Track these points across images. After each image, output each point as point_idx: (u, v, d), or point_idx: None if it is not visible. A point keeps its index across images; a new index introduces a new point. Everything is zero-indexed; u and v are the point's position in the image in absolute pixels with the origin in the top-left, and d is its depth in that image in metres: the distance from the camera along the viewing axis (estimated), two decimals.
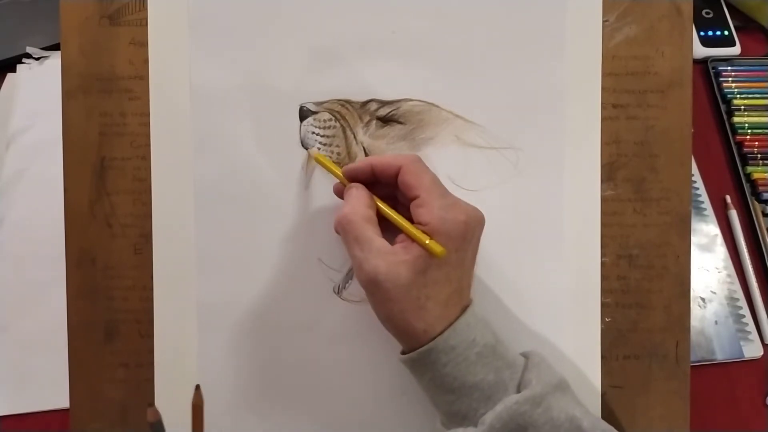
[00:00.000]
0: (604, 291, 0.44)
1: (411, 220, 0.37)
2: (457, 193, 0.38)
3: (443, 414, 0.37)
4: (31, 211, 0.59)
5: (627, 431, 0.44)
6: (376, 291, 0.35)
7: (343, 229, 0.37)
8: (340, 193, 0.40)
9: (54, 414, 0.51)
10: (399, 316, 0.35)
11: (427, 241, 0.35)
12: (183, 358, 0.43)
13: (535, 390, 0.35)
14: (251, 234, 0.43)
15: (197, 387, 0.37)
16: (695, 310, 0.56)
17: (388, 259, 0.35)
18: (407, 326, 0.35)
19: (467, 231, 0.36)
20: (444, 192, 0.37)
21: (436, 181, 0.37)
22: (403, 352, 0.37)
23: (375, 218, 0.37)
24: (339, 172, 0.40)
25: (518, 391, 0.36)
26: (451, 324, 0.36)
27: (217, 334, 0.43)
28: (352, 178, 0.39)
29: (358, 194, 0.38)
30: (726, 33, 0.71)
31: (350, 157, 0.43)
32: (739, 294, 0.57)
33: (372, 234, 0.36)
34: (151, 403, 0.36)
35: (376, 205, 0.38)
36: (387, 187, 0.38)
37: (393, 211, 0.37)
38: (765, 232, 0.60)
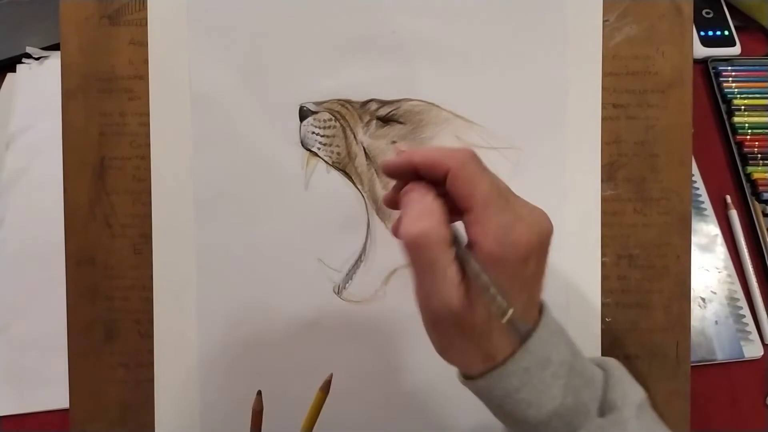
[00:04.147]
0: (604, 291, 0.44)
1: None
2: None
3: None
4: (31, 211, 0.59)
5: None
6: (442, 324, 0.30)
7: (417, 249, 0.29)
8: (391, 202, 0.33)
9: (54, 414, 0.51)
10: (460, 348, 0.31)
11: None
12: (183, 358, 0.43)
13: (622, 414, 0.31)
14: (251, 234, 0.43)
15: (259, 393, 0.36)
16: (695, 310, 0.56)
17: (462, 293, 0.29)
18: (468, 357, 0.31)
19: (530, 252, 0.30)
20: (503, 205, 0.30)
21: (493, 188, 0.30)
22: (466, 376, 0.32)
23: (450, 238, 0.30)
24: None
25: (601, 413, 0.32)
26: (521, 344, 0.30)
27: (217, 333, 0.43)
28: (391, 174, 0.32)
29: (432, 206, 0.30)
30: (726, 33, 0.71)
31: (350, 156, 0.43)
32: (740, 294, 0.57)
33: (449, 261, 0.29)
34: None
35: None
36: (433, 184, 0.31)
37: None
38: (765, 232, 0.60)
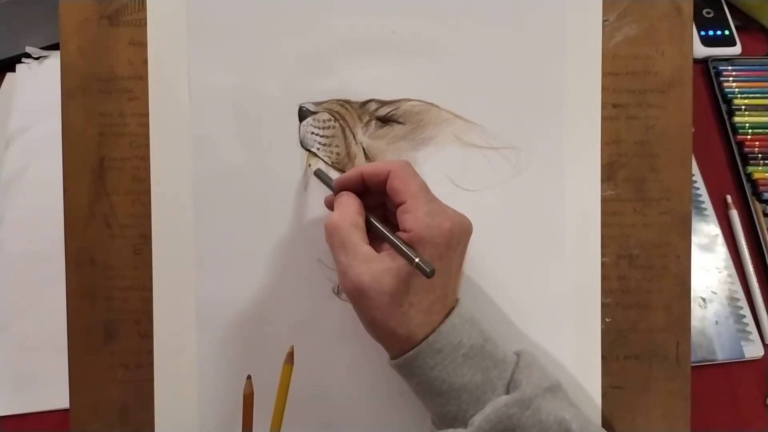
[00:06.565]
0: (604, 291, 0.44)
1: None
2: (456, 194, 0.38)
3: (435, 416, 0.38)
4: (30, 210, 0.59)
5: None
6: (360, 298, 0.35)
7: (329, 235, 0.37)
8: (330, 204, 0.40)
9: (54, 414, 0.51)
10: (382, 323, 0.35)
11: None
12: (183, 358, 0.43)
13: (525, 392, 0.35)
14: (251, 234, 0.43)
15: (248, 377, 0.38)
16: (696, 311, 0.56)
17: (372, 267, 0.35)
18: (390, 333, 0.36)
19: (452, 238, 0.36)
20: (430, 198, 0.37)
21: (423, 187, 0.37)
22: (393, 358, 0.37)
23: (362, 225, 0.37)
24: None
25: (507, 390, 0.36)
26: (434, 329, 0.36)
27: (217, 334, 0.43)
28: (343, 188, 0.39)
29: (348, 201, 0.38)
30: (727, 33, 0.71)
31: (350, 157, 0.43)
32: (740, 294, 0.57)
33: (358, 240, 0.36)
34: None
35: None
36: (378, 196, 0.38)
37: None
38: (766, 232, 0.60)
